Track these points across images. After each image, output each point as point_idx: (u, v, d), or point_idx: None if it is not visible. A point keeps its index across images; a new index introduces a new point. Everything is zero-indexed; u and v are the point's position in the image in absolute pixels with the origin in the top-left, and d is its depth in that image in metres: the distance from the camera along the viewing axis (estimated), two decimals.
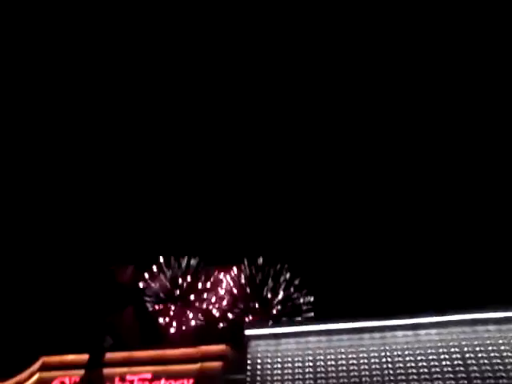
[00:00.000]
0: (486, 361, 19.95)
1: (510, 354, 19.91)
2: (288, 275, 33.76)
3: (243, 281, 33.77)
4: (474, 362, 20.04)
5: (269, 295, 33.38)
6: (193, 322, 32.06)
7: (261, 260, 34.05)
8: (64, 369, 23.89)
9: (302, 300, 33.05)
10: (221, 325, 31.81)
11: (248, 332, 24.03)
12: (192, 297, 32.96)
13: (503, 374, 19.45)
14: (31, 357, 25.57)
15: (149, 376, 23.39)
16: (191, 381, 22.95)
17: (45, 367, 24.45)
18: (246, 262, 34.31)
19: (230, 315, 32.38)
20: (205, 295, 33.04)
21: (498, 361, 19.82)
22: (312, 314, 32.40)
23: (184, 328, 31.68)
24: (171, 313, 32.47)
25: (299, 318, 32.01)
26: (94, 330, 22.80)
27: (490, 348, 20.21)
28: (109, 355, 23.04)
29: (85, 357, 22.76)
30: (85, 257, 35.06)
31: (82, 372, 21.55)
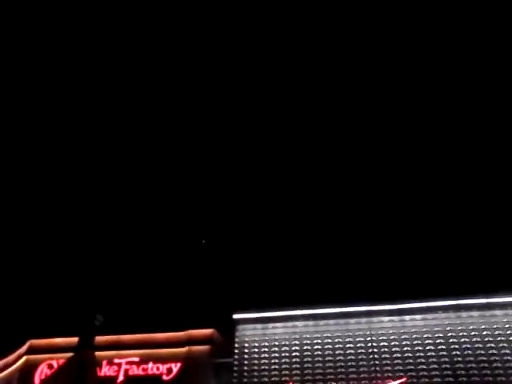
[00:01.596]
0: (468, 345, 20.44)
1: (491, 339, 20.40)
2: None
3: None
4: (456, 346, 20.52)
5: None
6: None
7: None
8: (52, 352, 23.92)
9: None
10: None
11: (235, 316, 24.22)
12: None
13: (484, 358, 19.98)
14: (18, 340, 25.61)
15: (136, 359, 23.53)
16: (179, 364, 23.15)
17: (32, 350, 24.46)
18: None
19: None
20: None
21: (480, 345, 20.34)
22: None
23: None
24: None
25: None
26: (84, 307, 22.82)
27: (472, 333, 20.69)
28: (96, 339, 23.04)
29: (74, 339, 22.76)
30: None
31: (70, 354, 21.54)
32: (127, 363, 23.58)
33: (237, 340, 23.24)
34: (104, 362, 23.36)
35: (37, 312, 31.57)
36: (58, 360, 23.58)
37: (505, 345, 20.06)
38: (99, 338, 23.54)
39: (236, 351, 22.88)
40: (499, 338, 20.23)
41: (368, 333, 21.79)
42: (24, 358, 24.55)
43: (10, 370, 25.51)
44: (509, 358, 19.74)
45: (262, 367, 22.04)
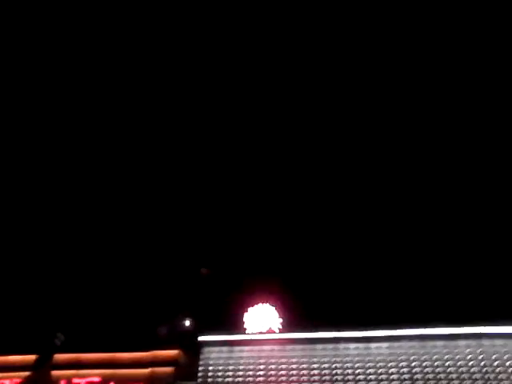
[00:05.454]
0: (431, 375, 20.70)
1: (453, 369, 20.72)
2: None
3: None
4: (419, 376, 20.76)
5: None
6: None
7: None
8: (7, 370, 22.81)
9: None
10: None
11: (201, 338, 23.88)
12: None
13: None
14: None
15: (97, 379, 22.74)
16: None
17: None
18: None
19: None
20: None
21: (442, 376, 20.63)
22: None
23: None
24: None
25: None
26: (44, 325, 21.81)
27: (436, 363, 20.99)
28: (54, 357, 22.29)
29: (31, 357, 21.90)
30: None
31: (26, 374, 20.68)
32: (87, 383, 22.78)
33: (201, 363, 22.86)
34: (62, 382, 22.45)
35: None
36: (11, 379, 22.49)
37: (465, 376, 20.38)
38: (57, 356, 22.75)
39: (200, 374, 22.49)
40: (461, 369, 20.56)
41: (334, 359, 21.82)
42: None
43: None
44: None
45: None
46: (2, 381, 22.78)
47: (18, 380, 21.41)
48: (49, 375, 21.02)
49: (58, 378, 22.36)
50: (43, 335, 21.04)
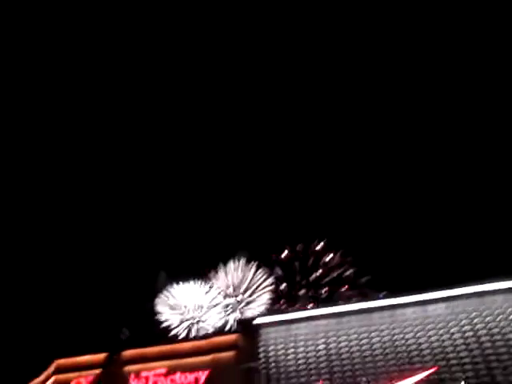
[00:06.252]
0: (495, 330, 20.30)
1: None
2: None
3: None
4: (483, 332, 20.39)
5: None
6: None
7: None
8: (79, 370, 23.92)
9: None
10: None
11: (257, 321, 24.27)
12: None
13: None
14: (44, 361, 25.65)
15: (163, 371, 23.55)
16: (206, 372, 23.16)
17: (60, 370, 24.52)
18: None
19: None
20: None
21: (509, 328, 20.18)
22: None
23: None
24: None
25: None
26: (108, 323, 22.64)
27: (498, 317, 20.53)
28: (122, 353, 23.18)
29: (100, 356, 22.86)
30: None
31: (97, 371, 21.61)
32: (155, 375, 23.59)
33: (261, 344, 23.22)
34: (132, 376, 23.37)
35: (60, 331, 31.59)
36: (86, 377, 23.64)
37: None
38: (125, 353, 23.67)
39: (262, 355, 22.87)
40: None
41: (392, 325, 21.70)
42: (53, 379, 24.61)
43: None
44: None
45: (290, 368, 21.99)
46: (77, 380, 23.97)
47: (91, 378, 22.34)
48: (119, 371, 21.87)
49: (128, 373, 23.27)
50: (109, 333, 21.89)
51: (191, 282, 29.32)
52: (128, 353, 22.91)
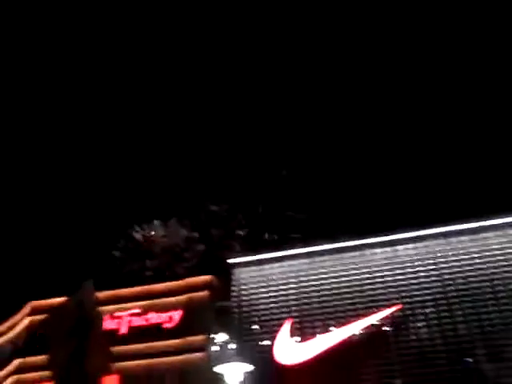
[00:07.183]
0: (458, 269, 21.01)
1: (480, 261, 20.91)
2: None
3: None
4: (447, 271, 21.11)
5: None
6: None
7: None
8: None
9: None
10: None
11: (230, 260, 24.59)
12: None
13: (474, 279, 20.57)
14: (18, 302, 25.89)
15: (138, 311, 24.02)
16: (180, 311, 23.71)
17: (35, 311, 24.86)
18: None
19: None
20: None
21: (470, 268, 20.91)
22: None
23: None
24: None
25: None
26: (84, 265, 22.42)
27: (462, 257, 21.21)
28: (97, 295, 23.31)
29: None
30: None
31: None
32: (129, 315, 24.07)
33: (234, 283, 23.70)
34: (106, 317, 23.78)
35: (34, 273, 31.80)
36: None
37: (494, 266, 20.54)
38: (99, 294, 23.81)
39: (234, 294, 23.40)
40: (488, 260, 20.72)
41: (362, 265, 22.25)
42: (28, 319, 24.95)
43: (14, 331, 26.00)
44: (498, 281, 20.24)
45: (261, 307, 22.64)
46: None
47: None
48: (96, 310, 22.06)
49: (102, 313, 23.58)
50: (84, 275, 21.88)
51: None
52: (102, 294, 23.09)
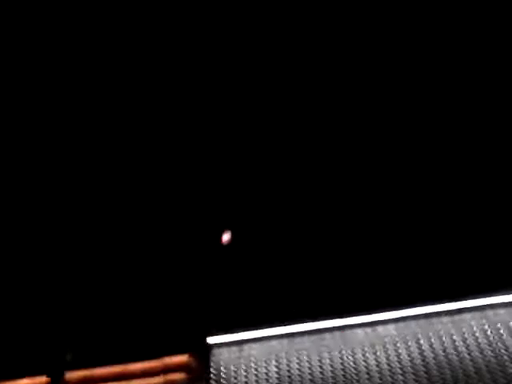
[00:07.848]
0: (441, 351, 20.91)
1: (460, 342, 20.95)
2: None
3: None
4: (429, 350, 20.97)
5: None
6: None
7: None
8: None
9: None
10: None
11: (210, 340, 24.01)
12: None
13: (456, 360, 20.44)
14: None
15: None
16: None
17: None
18: None
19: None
20: None
21: (452, 351, 20.85)
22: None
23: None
24: None
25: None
26: (53, 344, 21.64)
27: (444, 339, 21.21)
28: (67, 375, 22.33)
29: (41, 379, 21.85)
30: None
31: None
32: None
33: (213, 365, 22.96)
34: None
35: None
36: None
37: (472, 347, 20.52)
38: (70, 375, 22.79)
39: (213, 376, 22.58)
40: (468, 341, 20.74)
41: (343, 346, 21.98)
42: None
43: None
44: (482, 363, 20.10)
45: None
46: None
47: None
48: None
49: None
50: (52, 354, 20.99)
51: None
52: (73, 375, 22.05)
